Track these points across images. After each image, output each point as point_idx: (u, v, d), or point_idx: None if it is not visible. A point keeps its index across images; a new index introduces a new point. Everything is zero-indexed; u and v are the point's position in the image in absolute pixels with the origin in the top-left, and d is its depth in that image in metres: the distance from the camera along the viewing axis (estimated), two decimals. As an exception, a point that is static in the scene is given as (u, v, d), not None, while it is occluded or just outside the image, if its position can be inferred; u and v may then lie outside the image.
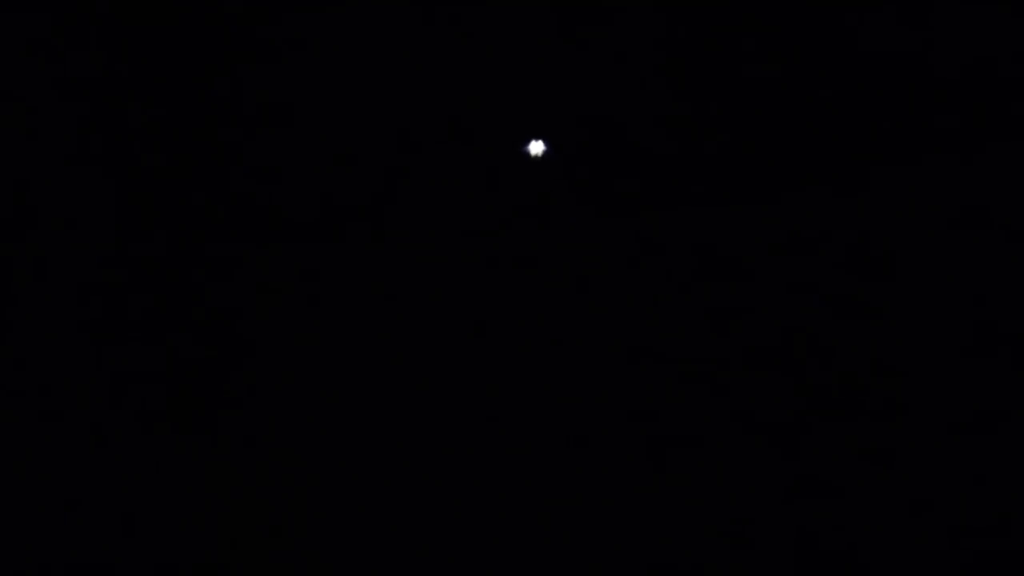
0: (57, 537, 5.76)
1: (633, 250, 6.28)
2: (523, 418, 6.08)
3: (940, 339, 6.08)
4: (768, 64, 6.41)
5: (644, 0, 6.46)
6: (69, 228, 6.19)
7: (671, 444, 6.00)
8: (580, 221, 6.35)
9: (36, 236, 6.17)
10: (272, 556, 5.73)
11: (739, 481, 5.88)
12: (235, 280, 6.24)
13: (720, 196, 6.32)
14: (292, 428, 6.07)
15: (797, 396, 6.05)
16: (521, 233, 6.37)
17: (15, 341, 6.14)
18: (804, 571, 5.59)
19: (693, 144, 6.40)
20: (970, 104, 6.37)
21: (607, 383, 6.11)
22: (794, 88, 6.39)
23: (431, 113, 6.51)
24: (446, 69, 6.51)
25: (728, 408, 6.06)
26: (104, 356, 6.12)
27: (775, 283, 6.18)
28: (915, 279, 6.17)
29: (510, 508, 5.83)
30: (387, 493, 5.89)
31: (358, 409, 6.12)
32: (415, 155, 6.47)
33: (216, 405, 6.09)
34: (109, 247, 6.20)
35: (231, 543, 5.76)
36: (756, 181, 6.34)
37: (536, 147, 6.28)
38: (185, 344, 6.15)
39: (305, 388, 6.15)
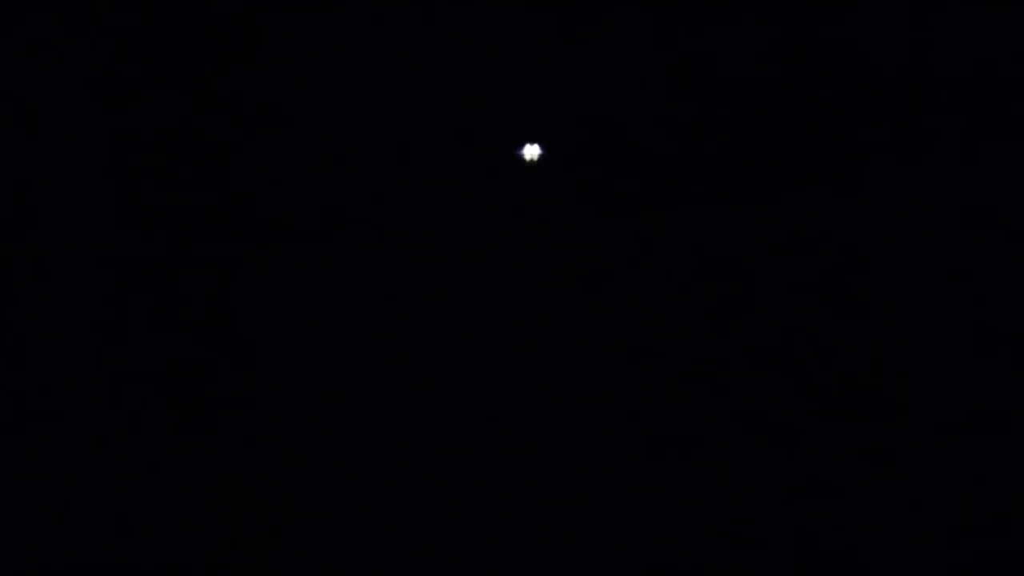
0: (57, 537, 5.76)
1: (633, 250, 6.29)
2: (523, 418, 6.08)
3: (940, 339, 6.09)
4: (768, 64, 6.42)
5: (643, 0, 6.46)
6: (69, 228, 6.20)
7: (671, 444, 6.01)
8: (580, 221, 6.35)
9: (36, 236, 6.17)
10: (272, 556, 5.73)
11: (739, 481, 5.88)
12: (235, 280, 6.24)
13: (720, 196, 6.33)
14: (292, 428, 6.07)
15: (797, 396, 6.06)
16: (521, 233, 6.37)
17: (15, 341, 6.14)
18: (804, 571, 5.60)
19: (693, 144, 6.40)
20: (970, 104, 6.38)
21: (607, 383, 6.11)
22: (794, 88, 6.39)
23: (431, 113, 6.51)
24: (445, 69, 6.51)
25: (728, 408, 6.06)
26: (104, 356, 6.12)
27: (775, 283, 6.19)
28: (915, 279, 6.17)
29: (510, 508, 5.83)
30: (387, 493, 5.89)
31: (358, 409, 6.12)
32: (415, 155, 6.48)
33: (216, 405, 6.09)
34: (109, 247, 6.20)
35: (231, 543, 5.76)
36: (756, 181, 6.35)
37: (531, 151, 6.28)
38: (185, 344, 6.15)
39: (305, 388, 6.15)
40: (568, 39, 6.51)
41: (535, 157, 6.40)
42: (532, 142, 6.46)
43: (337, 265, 6.28)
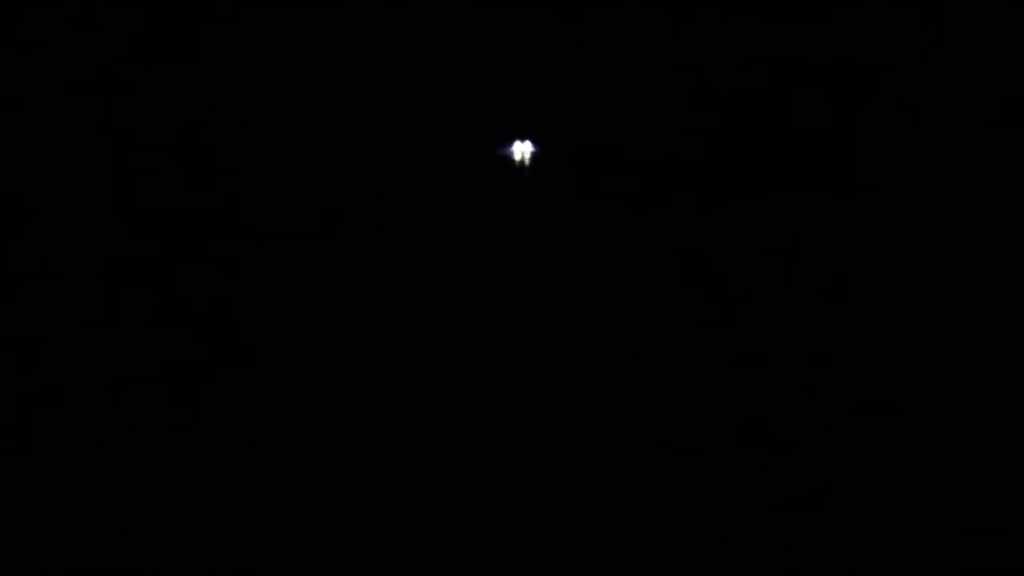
0: (57, 537, 5.76)
1: (633, 250, 6.29)
2: (523, 418, 6.08)
3: (940, 339, 6.10)
4: (768, 67, 6.43)
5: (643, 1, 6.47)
6: (68, 228, 6.19)
7: (671, 444, 6.01)
8: (580, 221, 6.36)
9: (36, 236, 6.17)
10: (272, 556, 5.73)
11: (738, 482, 5.89)
12: (235, 280, 6.24)
13: (722, 197, 6.34)
14: (292, 428, 6.07)
15: (796, 397, 6.07)
16: (520, 233, 6.38)
17: (14, 340, 6.14)
18: (803, 572, 5.60)
19: (694, 145, 6.41)
20: (969, 107, 6.39)
21: (607, 383, 6.12)
22: (795, 91, 6.40)
23: (429, 113, 6.51)
24: (444, 69, 6.52)
25: (727, 408, 6.07)
26: (103, 356, 6.12)
27: (775, 284, 6.19)
28: (915, 280, 6.18)
29: (510, 508, 5.83)
30: (387, 494, 5.89)
31: (358, 409, 6.12)
32: (415, 155, 6.48)
33: (216, 405, 6.09)
34: (109, 247, 6.20)
35: (231, 543, 5.76)
36: (758, 183, 6.36)
37: (521, 148, 6.28)
38: (185, 344, 6.15)
39: (305, 388, 6.15)
40: (566, 38, 6.51)
41: (527, 155, 6.40)
42: (524, 139, 6.46)
43: (337, 265, 6.28)
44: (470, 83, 6.47)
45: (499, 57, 6.47)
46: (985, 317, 6.16)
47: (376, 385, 6.17)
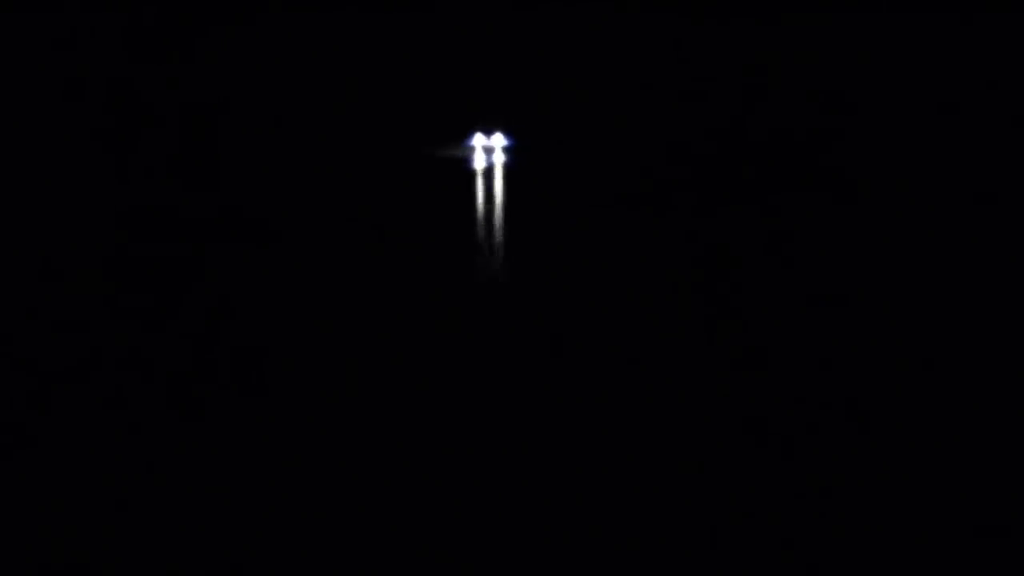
0: (57, 537, 5.75)
1: (634, 250, 6.30)
2: (523, 418, 6.08)
3: (938, 338, 6.10)
4: (768, 67, 6.45)
5: (654, 6, 6.48)
6: (69, 228, 6.20)
7: (671, 444, 6.01)
8: (581, 221, 6.37)
9: (36, 236, 6.17)
10: (271, 555, 5.72)
11: (737, 482, 5.89)
12: (234, 280, 6.24)
13: (722, 198, 6.35)
14: (291, 426, 6.06)
15: (796, 397, 6.07)
16: (519, 232, 6.38)
17: (15, 339, 6.13)
18: (804, 572, 5.60)
19: (694, 145, 6.43)
20: (968, 107, 6.41)
21: (607, 383, 6.12)
22: (794, 92, 6.42)
23: (427, 114, 6.53)
24: (443, 69, 6.53)
25: (727, 408, 6.07)
26: (104, 354, 6.12)
27: (775, 284, 6.20)
28: (913, 279, 6.19)
29: (510, 508, 5.83)
30: (387, 494, 5.89)
31: (358, 409, 6.12)
32: (413, 155, 6.50)
33: (216, 404, 6.09)
34: (109, 247, 6.20)
35: (231, 542, 5.75)
36: (758, 185, 6.37)
37: (484, 141, 6.29)
38: (184, 343, 6.14)
39: (304, 387, 6.15)
40: (565, 37, 6.52)
41: (499, 148, 6.41)
42: (491, 132, 6.46)
43: (336, 265, 6.28)
44: (469, 78, 6.47)
45: (498, 55, 6.47)
46: (984, 316, 6.16)
47: (378, 385, 6.16)
